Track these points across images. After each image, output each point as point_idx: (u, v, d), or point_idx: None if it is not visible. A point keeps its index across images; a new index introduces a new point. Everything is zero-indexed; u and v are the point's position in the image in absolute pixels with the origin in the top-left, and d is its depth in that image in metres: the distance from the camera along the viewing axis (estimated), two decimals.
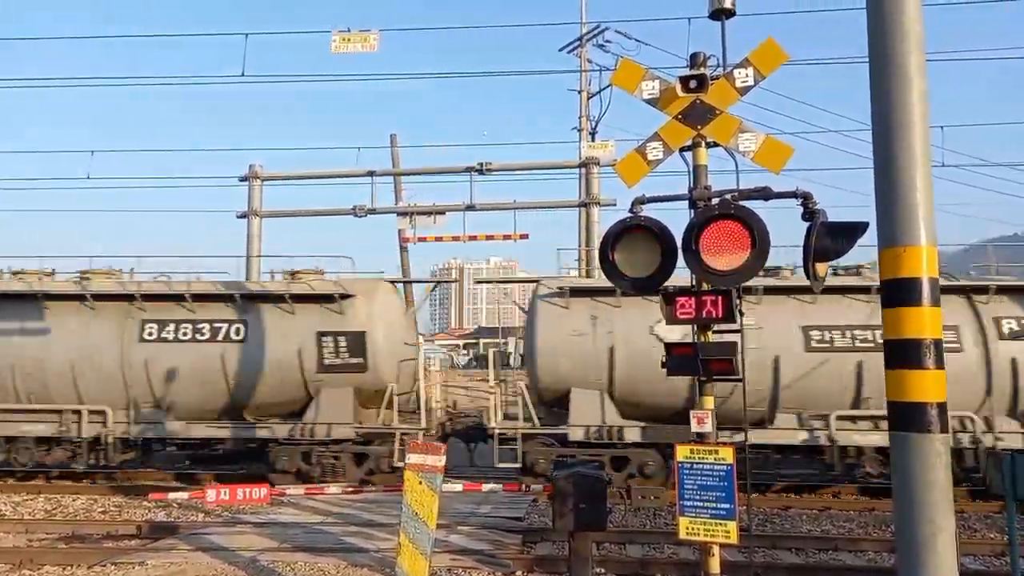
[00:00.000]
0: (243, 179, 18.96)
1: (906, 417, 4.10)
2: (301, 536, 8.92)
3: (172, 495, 7.59)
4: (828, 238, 4.95)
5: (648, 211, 5.42)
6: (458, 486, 6.89)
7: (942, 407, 4.06)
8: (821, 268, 5.21)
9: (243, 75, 13.02)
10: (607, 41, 26.48)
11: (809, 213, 5.05)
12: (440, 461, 5.82)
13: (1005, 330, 11.59)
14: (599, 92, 25.77)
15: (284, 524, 9.65)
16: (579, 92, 26.05)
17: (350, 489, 7.51)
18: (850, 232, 4.92)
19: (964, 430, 11.46)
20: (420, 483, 5.82)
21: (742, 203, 5.05)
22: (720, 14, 5.60)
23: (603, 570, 7.66)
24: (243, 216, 18.90)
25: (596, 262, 11.69)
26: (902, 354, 4.14)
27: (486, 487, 6.83)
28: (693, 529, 4.97)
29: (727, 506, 4.87)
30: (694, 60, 5.43)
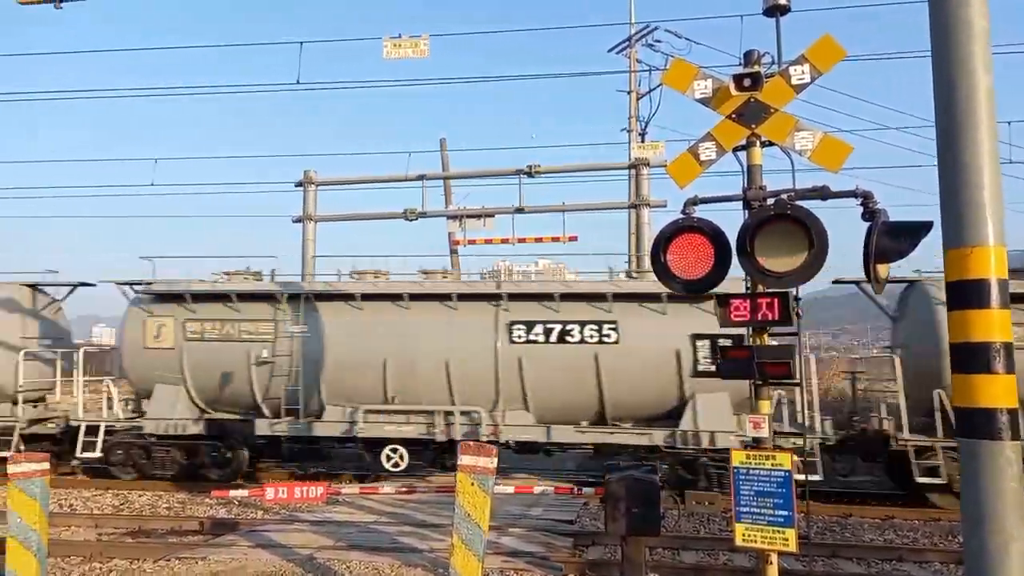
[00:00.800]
0: (298, 184, 19.40)
1: (974, 424, 3.95)
2: (356, 535, 9.07)
3: (233, 492, 7.80)
4: (889, 238, 4.81)
5: (701, 212, 5.37)
6: (509, 488, 6.92)
7: (1012, 413, 3.91)
8: (882, 270, 5.06)
9: (298, 83, 13.30)
10: (657, 41, 26.22)
11: (869, 213, 4.92)
12: (492, 463, 5.85)
13: None
14: (649, 92, 25.54)
15: (339, 523, 9.83)
16: (628, 93, 25.86)
17: (403, 489, 7.61)
18: (913, 232, 4.77)
19: None
20: (472, 484, 5.86)
21: (799, 203, 4.95)
22: (775, 10, 5.51)
23: None
24: (298, 220, 19.34)
25: (647, 264, 11.66)
26: (969, 358, 3.99)
27: (537, 489, 6.83)
28: (750, 536, 4.88)
29: (785, 513, 4.76)
30: (748, 58, 5.34)
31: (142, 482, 13.70)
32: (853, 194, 4.99)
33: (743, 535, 4.89)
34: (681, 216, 5.33)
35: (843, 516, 11.01)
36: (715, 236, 5.18)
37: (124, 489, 13.20)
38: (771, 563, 4.87)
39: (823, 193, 5.09)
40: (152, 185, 19.25)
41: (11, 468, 6.29)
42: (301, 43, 12.95)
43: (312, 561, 7.79)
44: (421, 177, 19.09)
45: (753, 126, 5.28)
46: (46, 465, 6.47)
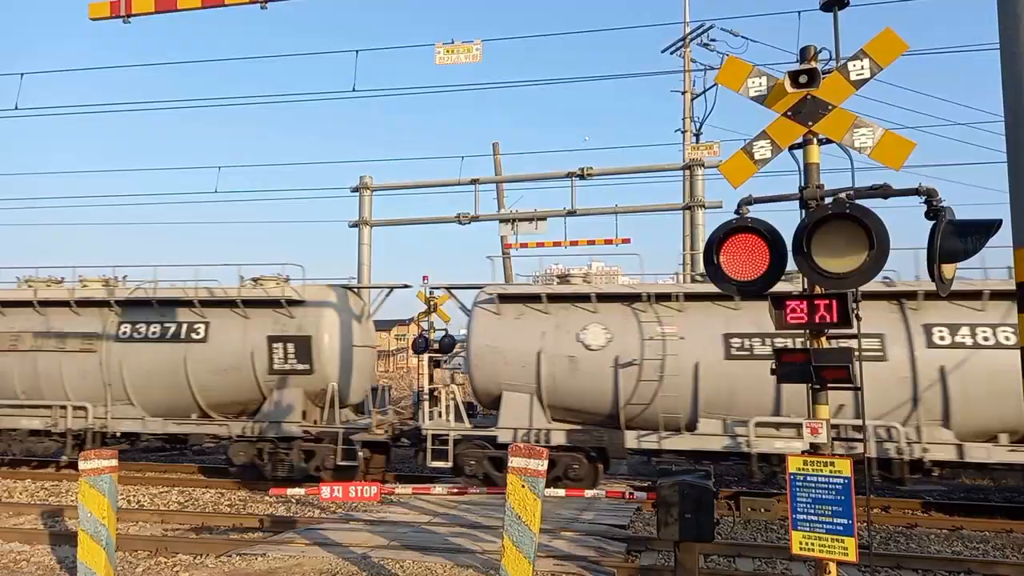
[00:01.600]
0: (354, 190, 19.80)
1: None
2: (410, 535, 9.17)
3: (290, 491, 7.99)
4: (956, 237, 4.62)
5: (756, 212, 5.26)
6: (560, 491, 6.89)
7: None
8: (948, 270, 4.87)
9: (354, 90, 13.57)
10: (712, 40, 25.84)
11: (934, 211, 4.74)
12: (542, 466, 5.84)
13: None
14: (703, 93, 25.18)
15: (394, 523, 9.96)
16: (683, 93, 25.53)
17: (455, 490, 7.66)
18: (981, 231, 4.58)
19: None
20: (523, 487, 5.86)
21: (858, 202, 4.81)
22: (832, 5, 5.37)
23: None
24: (355, 225, 19.72)
25: (701, 266, 11.44)
26: None
27: (589, 493, 6.79)
28: (807, 544, 4.75)
29: (845, 521, 4.62)
30: (804, 54, 5.21)
31: (206, 479, 14.15)
32: (916, 192, 4.82)
33: (800, 543, 4.76)
34: (735, 216, 5.24)
35: (908, 526, 10.62)
36: (770, 236, 5.07)
37: (189, 486, 13.66)
38: (830, 572, 4.73)
39: (884, 191, 4.93)
40: (216, 192, 19.89)
41: (81, 464, 6.58)
42: (357, 51, 13.20)
43: (366, 560, 7.90)
44: (474, 181, 19.24)
45: (810, 124, 5.15)
46: (114, 462, 6.74)
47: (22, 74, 14.36)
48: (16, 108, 14.50)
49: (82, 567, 6.62)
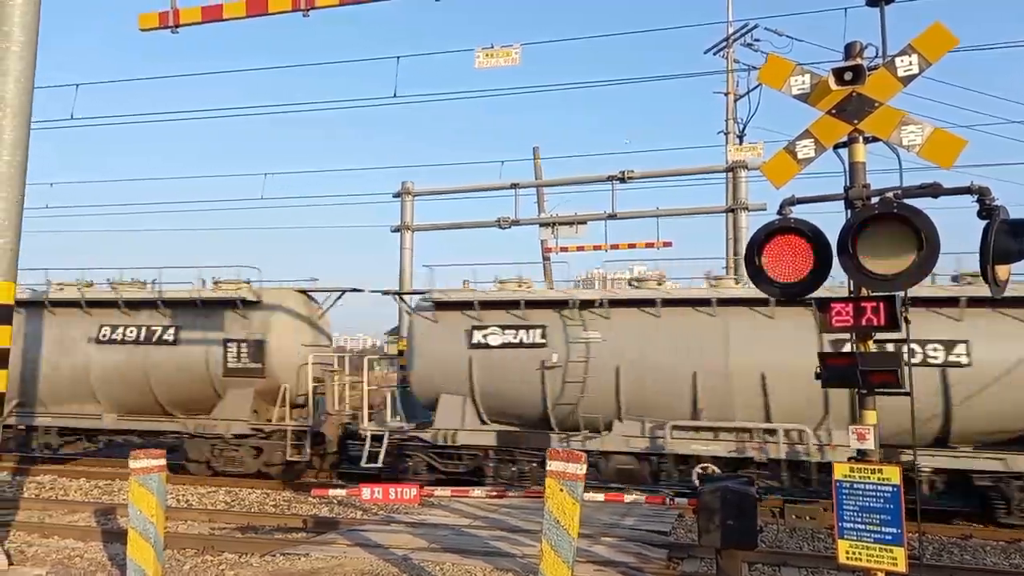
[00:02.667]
0: (396, 195, 20.01)
1: None
2: (450, 537, 9.20)
3: (332, 492, 8.10)
4: (1010, 237, 4.46)
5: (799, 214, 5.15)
6: (600, 496, 6.84)
7: None
8: (1003, 271, 4.69)
9: (395, 96, 13.73)
10: (756, 40, 25.46)
11: (987, 211, 4.58)
12: (581, 469, 5.80)
13: None
14: (747, 94, 24.81)
15: (434, 525, 10.00)
16: (725, 94, 25.20)
17: (494, 493, 7.65)
18: None
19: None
20: (562, 491, 5.83)
21: (906, 201, 4.67)
22: (879, 0, 5.23)
23: None
24: (397, 230, 19.93)
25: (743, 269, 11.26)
26: None
27: (628, 498, 6.72)
28: (854, 554, 4.62)
29: (894, 531, 4.48)
30: (849, 50, 5.10)
31: (252, 480, 14.42)
32: (968, 191, 4.66)
33: (847, 552, 4.64)
34: (777, 217, 5.14)
35: (962, 537, 10.25)
36: (814, 237, 4.96)
37: (236, 487, 13.94)
38: None
39: (934, 190, 4.78)
40: (262, 199, 20.34)
41: (132, 463, 6.77)
42: (398, 58, 13.36)
43: (407, 562, 7.95)
44: (514, 185, 19.26)
45: (855, 121, 5.03)
46: (163, 461, 6.91)
47: (77, 85, 14.88)
48: (72, 117, 15.03)
49: (131, 564, 6.80)
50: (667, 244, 18.50)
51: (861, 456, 4.74)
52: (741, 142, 23.32)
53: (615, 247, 18.64)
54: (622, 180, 17.88)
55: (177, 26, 8.41)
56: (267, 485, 13.95)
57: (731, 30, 23.77)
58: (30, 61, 7.78)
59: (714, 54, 25.25)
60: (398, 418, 14.17)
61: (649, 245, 18.36)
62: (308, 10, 8.12)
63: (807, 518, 10.91)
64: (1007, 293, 5.05)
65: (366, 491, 6.93)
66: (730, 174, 18.54)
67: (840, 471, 4.72)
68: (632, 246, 18.94)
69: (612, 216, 17.99)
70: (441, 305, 13.48)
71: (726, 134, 25.43)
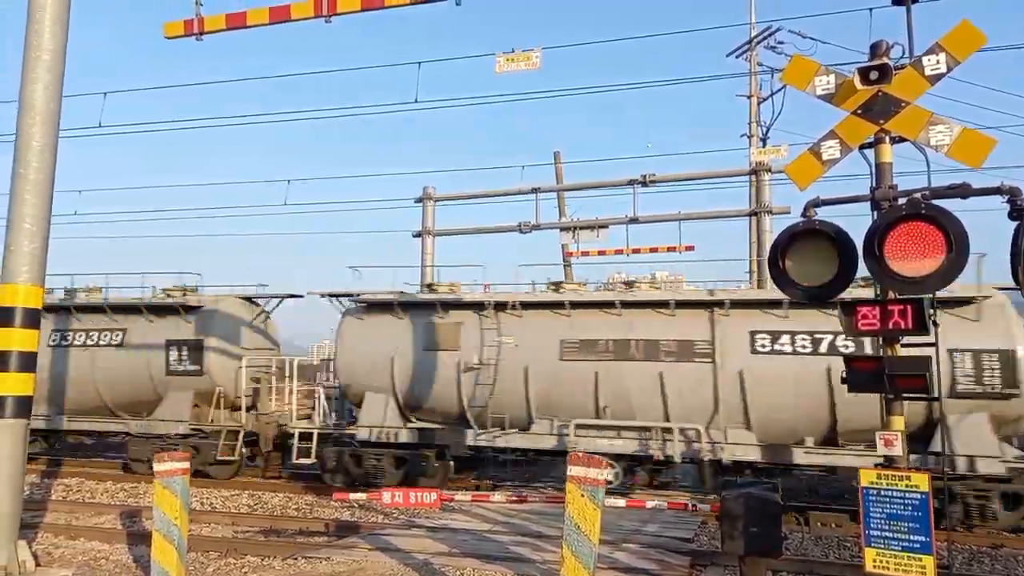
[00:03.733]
0: (418, 200, 20.09)
1: None
2: (470, 542, 9.17)
3: (352, 495, 8.11)
4: None
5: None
6: (621, 502, 6.77)
7: None
8: None
9: (416, 101, 13.77)
10: (779, 42, 25.21)
11: (1017, 211, 4.47)
12: (602, 475, 5.74)
13: None
14: (771, 96, 24.57)
15: (455, 530, 9.98)
16: (748, 97, 24.97)
17: (514, 498, 7.62)
18: None
19: None
20: (582, 496, 5.78)
21: (934, 202, 4.58)
22: None
23: None
24: (418, 235, 20.00)
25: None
26: None
27: (650, 503, 6.65)
28: (882, 563, 4.52)
29: (922, 539, 4.38)
30: (875, 50, 5.01)
31: (275, 483, 14.50)
32: (998, 191, 4.56)
33: (874, 561, 4.54)
34: (801, 219, 5.06)
35: (993, 546, 10.00)
36: (839, 239, 4.87)
37: (259, 490, 14.03)
38: None
39: (963, 191, 4.68)
40: (285, 204, 20.51)
41: (156, 466, 6.83)
42: (419, 63, 13.39)
43: (427, 566, 7.94)
44: (535, 190, 19.24)
45: (881, 121, 4.95)
46: (187, 464, 6.97)
47: (105, 93, 15.11)
48: (100, 125, 15.27)
49: (155, 566, 6.86)
50: (690, 248, 18.34)
51: (889, 463, 4.64)
52: (764, 145, 23.09)
53: (636, 251, 18.52)
54: (643, 184, 17.78)
55: (202, 33, 8.51)
56: (289, 489, 14.03)
57: (754, 32, 23.58)
58: (58, 70, 7.92)
59: (737, 57, 25.05)
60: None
61: (671, 249, 18.22)
62: (330, 16, 8.17)
63: (832, 525, 10.73)
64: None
65: (386, 495, 6.93)
66: (753, 177, 18.36)
67: (867, 478, 4.63)
68: (654, 250, 18.80)
69: (634, 220, 17.89)
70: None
71: (749, 137, 25.20)
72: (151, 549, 6.94)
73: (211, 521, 11.04)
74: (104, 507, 12.04)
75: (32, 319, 7.69)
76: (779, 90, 23.83)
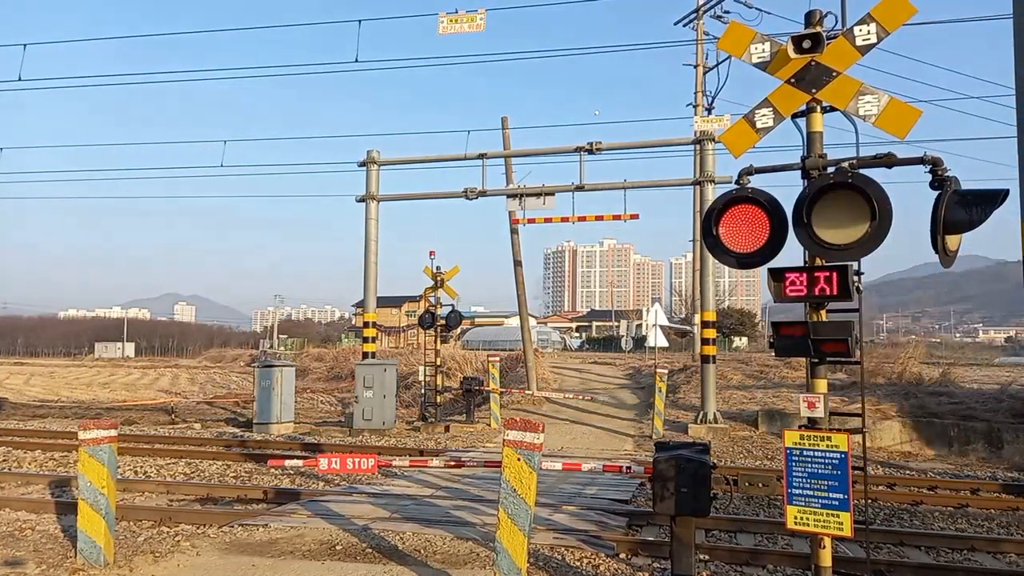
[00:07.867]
0: (361, 164, 19.68)
1: None
2: (411, 507, 9.21)
3: (288, 463, 8.02)
4: (961, 208, 4.49)
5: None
6: (557, 464, 6.86)
7: None
8: (952, 242, 4.73)
9: (356, 61, 13.40)
10: (726, 12, 25.37)
11: (939, 181, 4.60)
12: (538, 439, 5.80)
13: None
14: (716, 66, 24.78)
15: (396, 495, 10.00)
16: (695, 66, 25.12)
17: (452, 463, 7.65)
18: (988, 200, 4.44)
19: None
20: (519, 460, 5.83)
21: (861, 171, 4.68)
22: None
23: (708, 558, 7.42)
24: (362, 200, 19.63)
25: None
26: None
27: (586, 466, 6.76)
28: (802, 519, 4.69)
29: (840, 496, 4.55)
30: (809, 19, 5.04)
31: (213, 451, 14.25)
32: (921, 160, 4.67)
33: (795, 518, 4.71)
34: (734, 187, 5.11)
35: (913, 503, 10.54)
36: (771, 207, 4.95)
37: (196, 458, 13.77)
38: (824, 547, 4.67)
39: (888, 160, 4.78)
40: (222, 167, 19.85)
41: (81, 435, 6.61)
42: (359, 21, 13.01)
43: (367, 531, 7.94)
44: (482, 156, 19.06)
45: (813, 91, 5.00)
46: (114, 432, 6.76)
47: (24, 45, 14.28)
48: (19, 79, 14.44)
49: (82, 535, 6.68)
50: (634, 216, 18.52)
51: (811, 424, 4.79)
52: (710, 114, 23.34)
53: (583, 219, 18.61)
54: (590, 151, 17.80)
55: None
56: (228, 456, 13.81)
57: (701, 1, 23.66)
58: None
59: (683, 25, 25.14)
60: None
61: (616, 217, 18.36)
62: None
63: (760, 485, 11.11)
64: None
65: (323, 461, 6.86)
66: (697, 146, 18.55)
67: (790, 439, 4.77)
68: (600, 218, 18.91)
69: (580, 188, 17.93)
70: None
71: (695, 106, 25.38)
72: (77, 518, 6.75)
73: (145, 490, 10.79)
74: (32, 477, 11.65)
75: None
76: (724, 60, 24.04)
